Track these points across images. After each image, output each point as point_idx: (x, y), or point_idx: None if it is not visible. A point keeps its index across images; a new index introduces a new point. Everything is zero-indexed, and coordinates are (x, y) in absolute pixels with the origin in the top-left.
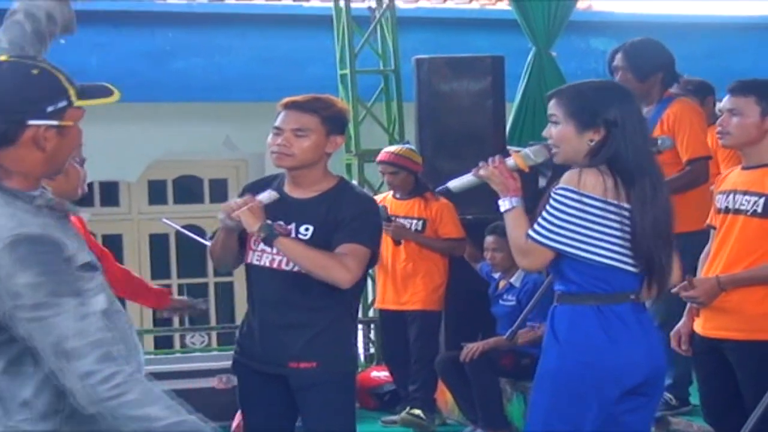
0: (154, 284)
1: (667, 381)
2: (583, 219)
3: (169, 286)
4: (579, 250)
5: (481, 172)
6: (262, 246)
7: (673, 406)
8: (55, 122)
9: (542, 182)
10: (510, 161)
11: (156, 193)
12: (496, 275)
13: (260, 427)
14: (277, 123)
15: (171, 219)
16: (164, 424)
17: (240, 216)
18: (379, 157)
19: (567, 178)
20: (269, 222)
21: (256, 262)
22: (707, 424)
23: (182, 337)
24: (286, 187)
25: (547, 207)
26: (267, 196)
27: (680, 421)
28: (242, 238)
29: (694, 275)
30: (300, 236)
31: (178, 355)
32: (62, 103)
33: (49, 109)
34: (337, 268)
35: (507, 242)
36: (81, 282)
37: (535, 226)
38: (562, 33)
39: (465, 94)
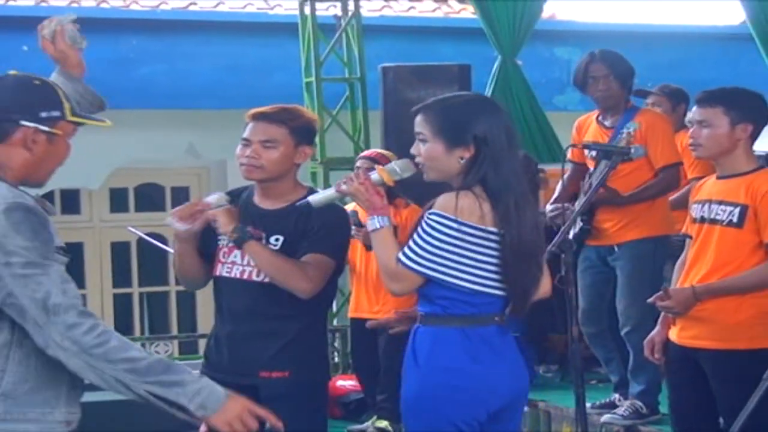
0: (115, 292)
1: (638, 387)
2: (456, 246)
3: (130, 294)
4: (450, 276)
5: (344, 187)
6: (232, 258)
7: (644, 414)
8: (45, 127)
9: None
10: (375, 176)
11: (118, 200)
12: None
13: None
14: (246, 134)
15: (134, 227)
16: (147, 363)
17: (216, 216)
18: (367, 153)
19: (443, 204)
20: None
21: (226, 274)
22: None
23: (144, 346)
24: (255, 198)
25: (420, 231)
26: (215, 198)
27: (651, 430)
28: (207, 253)
29: (663, 280)
30: (270, 247)
31: None
32: (55, 113)
33: (43, 114)
34: (297, 277)
35: None
36: (54, 256)
37: (407, 251)
38: (527, 41)
39: None
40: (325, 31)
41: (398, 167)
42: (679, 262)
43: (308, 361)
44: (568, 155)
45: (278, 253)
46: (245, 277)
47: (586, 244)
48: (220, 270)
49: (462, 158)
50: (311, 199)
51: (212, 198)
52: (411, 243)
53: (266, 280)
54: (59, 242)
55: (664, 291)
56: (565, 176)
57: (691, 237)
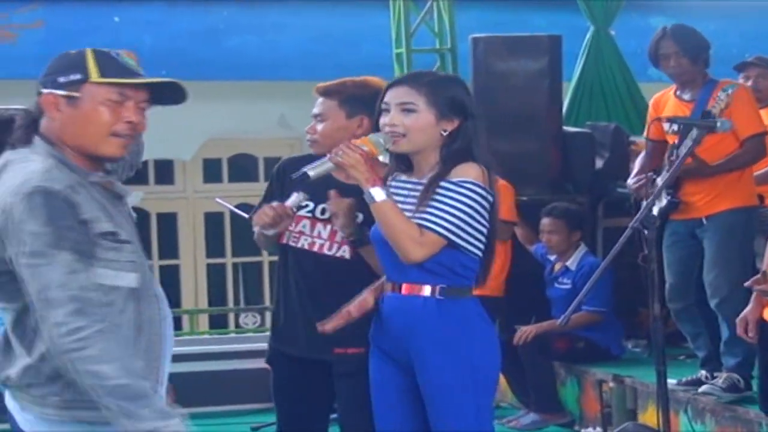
0: (209, 262)
1: (734, 360)
2: (479, 214)
3: (223, 264)
4: (471, 245)
5: (340, 159)
6: (300, 227)
7: (740, 388)
8: (62, 91)
9: (599, 163)
10: (363, 148)
11: (211, 171)
12: (552, 258)
13: (295, 418)
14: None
15: (225, 198)
16: (112, 384)
17: (337, 215)
18: None
19: (472, 173)
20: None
21: (293, 244)
22: (764, 412)
23: (236, 317)
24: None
25: (449, 199)
26: (295, 200)
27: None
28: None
29: (753, 251)
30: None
31: (232, 335)
32: (75, 76)
33: (61, 79)
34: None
35: (564, 224)
36: (96, 247)
37: (434, 218)
38: (621, 11)
39: (521, 74)
40: (416, 1)
41: (381, 138)
42: None
43: None
44: (646, 133)
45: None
46: (315, 249)
47: (672, 218)
48: (287, 238)
49: (445, 131)
50: (309, 170)
51: (292, 200)
52: (436, 210)
53: (339, 254)
54: (107, 227)
55: (762, 274)
56: (643, 153)
57: None
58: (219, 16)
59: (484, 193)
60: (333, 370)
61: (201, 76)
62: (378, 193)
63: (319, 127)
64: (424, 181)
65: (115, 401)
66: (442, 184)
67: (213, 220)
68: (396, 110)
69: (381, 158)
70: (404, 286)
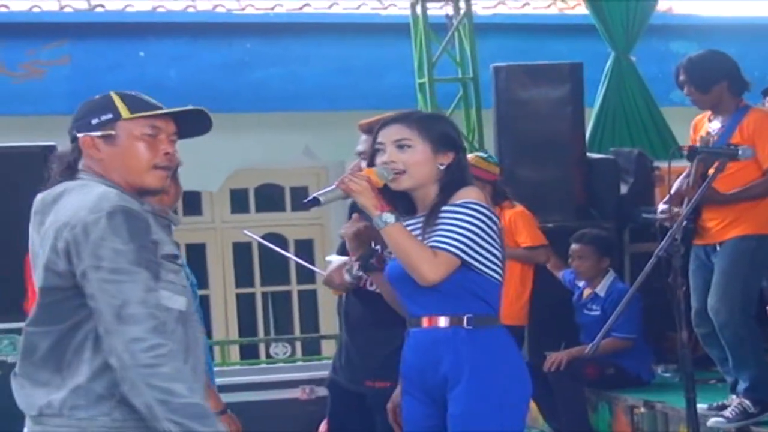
0: (238, 292)
1: (743, 385)
2: (489, 236)
3: (252, 294)
4: (482, 265)
5: (351, 186)
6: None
7: (752, 413)
8: (97, 132)
9: (624, 189)
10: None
11: (238, 201)
12: (581, 284)
13: None
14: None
15: (252, 229)
16: (182, 402)
17: (348, 239)
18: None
19: (473, 195)
20: (370, 250)
21: None
22: None
23: (267, 347)
24: None
25: (455, 221)
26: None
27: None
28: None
29: (758, 278)
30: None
31: (263, 365)
32: (106, 116)
33: (94, 121)
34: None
35: (594, 250)
36: (161, 268)
37: (444, 239)
38: (642, 36)
39: (544, 101)
40: (437, 31)
41: (385, 172)
42: None
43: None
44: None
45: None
46: (361, 285)
47: (694, 243)
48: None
49: (441, 164)
50: (319, 196)
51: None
52: (445, 232)
53: (378, 290)
54: (170, 250)
55: None
56: (683, 175)
57: None
58: (243, 49)
59: (488, 213)
60: (367, 403)
61: (226, 108)
62: (388, 218)
63: (363, 164)
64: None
65: (180, 419)
66: (445, 208)
67: (241, 250)
68: (392, 148)
69: None
70: (428, 319)
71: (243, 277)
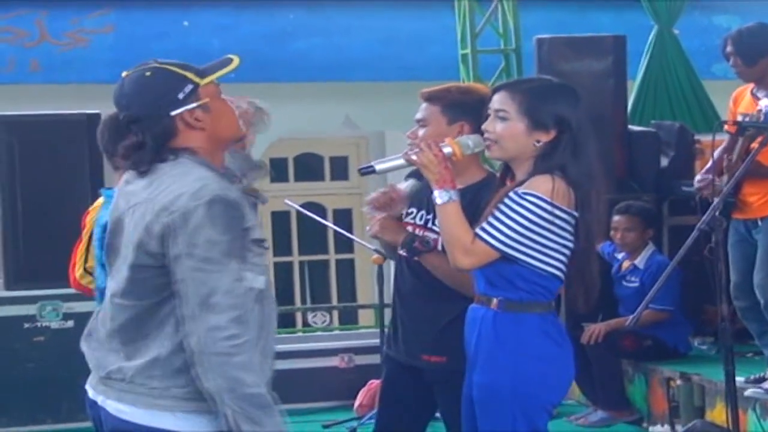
0: (276, 261)
1: None
2: (546, 230)
3: (290, 263)
4: (532, 258)
5: (415, 156)
6: None
7: None
8: (193, 104)
9: (664, 162)
10: (447, 149)
11: (277, 170)
12: (620, 256)
13: (393, 419)
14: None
15: (291, 198)
16: (250, 392)
17: (381, 231)
18: None
19: (541, 187)
20: (410, 236)
21: (399, 252)
22: None
23: (304, 316)
24: None
25: (507, 210)
26: (409, 186)
27: None
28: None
29: None
30: (436, 228)
31: (300, 334)
32: (189, 87)
33: (180, 96)
34: (469, 285)
35: (639, 221)
36: (249, 253)
37: (488, 228)
38: (684, 10)
39: (586, 74)
40: (481, 2)
41: (471, 141)
42: None
43: (463, 347)
44: (726, 128)
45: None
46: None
47: (734, 217)
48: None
49: (539, 141)
50: (377, 165)
51: (405, 185)
52: (494, 221)
53: None
54: (258, 234)
55: None
56: (720, 148)
57: None
58: (286, 19)
59: (548, 207)
60: (425, 378)
61: (268, 78)
62: (441, 196)
63: (421, 132)
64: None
65: (246, 406)
66: (510, 194)
67: (280, 219)
68: (492, 116)
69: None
70: (476, 297)
71: (281, 245)
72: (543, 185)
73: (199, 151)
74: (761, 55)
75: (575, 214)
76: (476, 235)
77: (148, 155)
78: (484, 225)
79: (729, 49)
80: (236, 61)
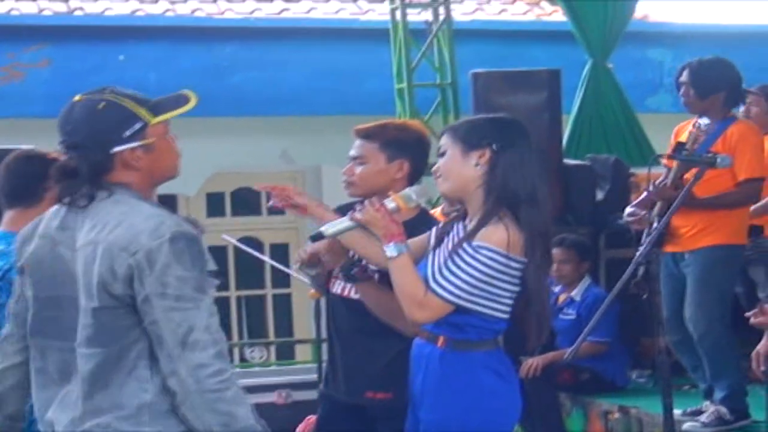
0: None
1: (721, 393)
2: (500, 280)
3: (227, 298)
4: (484, 307)
5: (360, 215)
6: (335, 272)
7: (728, 420)
8: (135, 143)
9: (600, 195)
10: (390, 204)
11: (214, 205)
12: (556, 289)
13: None
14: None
15: (229, 233)
16: (243, 425)
17: (321, 254)
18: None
19: (496, 239)
20: (349, 261)
21: (330, 289)
22: None
23: (241, 351)
24: None
25: (462, 264)
26: (415, 189)
27: None
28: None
29: (731, 287)
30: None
31: (237, 370)
32: (137, 125)
33: (127, 133)
34: (402, 319)
35: (575, 254)
36: (209, 284)
37: (441, 281)
38: (618, 43)
39: (522, 108)
40: (417, 37)
41: (414, 193)
42: None
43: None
44: (664, 162)
45: (386, 290)
46: (345, 293)
47: (664, 251)
48: (332, 285)
49: (477, 164)
50: (324, 229)
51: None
52: (448, 274)
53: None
54: (211, 266)
55: (760, 308)
56: (657, 182)
57: None
58: (222, 53)
59: (503, 259)
60: (368, 415)
61: (205, 112)
62: (390, 250)
63: (359, 169)
64: (469, 226)
65: None
66: (464, 246)
67: (216, 254)
68: (438, 157)
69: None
70: (421, 333)
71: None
72: (496, 235)
73: (133, 186)
74: (713, 90)
75: (523, 260)
76: (430, 288)
77: (79, 184)
78: (438, 278)
79: (684, 78)
80: (193, 100)
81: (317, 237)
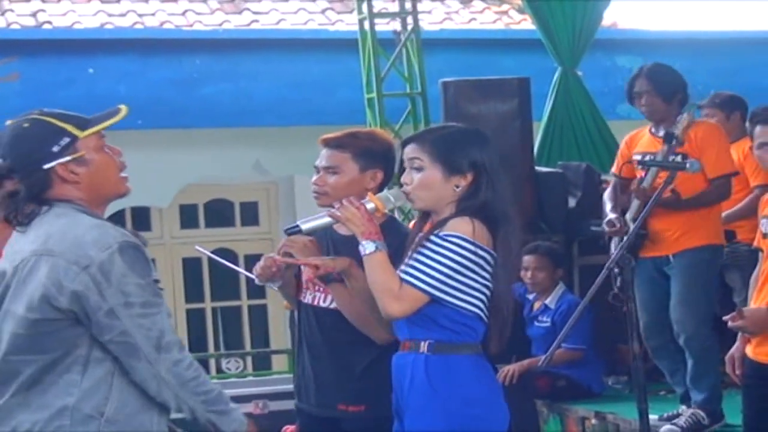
0: (188, 308)
1: (700, 396)
2: (470, 270)
3: (203, 309)
4: (458, 299)
5: (339, 213)
6: (305, 282)
7: (705, 424)
8: (66, 158)
9: (572, 202)
10: (369, 204)
11: (188, 217)
12: (531, 296)
13: None
14: (316, 161)
15: (202, 244)
16: (216, 393)
17: (292, 250)
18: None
19: (460, 227)
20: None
21: (300, 299)
22: None
23: (218, 362)
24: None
25: (432, 253)
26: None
27: None
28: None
29: (714, 287)
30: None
31: (214, 381)
32: (65, 140)
33: (55, 149)
34: (375, 326)
35: (548, 261)
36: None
37: (412, 271)
38: (587, 51)
39: (492, 116)
40: (386, 47)
41: (392, 196)
42: (753, 277)
43: (382, 394)
44: (615, 170)
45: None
46: (316, 303)
47: (642, 256)
48: (302, 295)
49: (458, 186)
50: (303, 224)
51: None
52: (418, 264)
53: (333, 306)
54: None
55: (738, 311)
56: (610, 189)
57: (762, 251)
58: (192, 65)
59: (471, 246)
60: (342, 428)
61: (176, 124)
62: (368, 246)
63: (331, 179)
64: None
65: (217, 407)
66: (431, 237)
67: (191, 266)
68: (408, 168)
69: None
70: (403, 344)
71: (193, 292)
72: (463, 226)
73: (75, 200)
74: (675, 91)
75: (494, 254)
76: (402, 279)
77: (20, 204)
78: (408, 269)
79: (643, 88)
80: (124, 110)
81: (294, 231)
